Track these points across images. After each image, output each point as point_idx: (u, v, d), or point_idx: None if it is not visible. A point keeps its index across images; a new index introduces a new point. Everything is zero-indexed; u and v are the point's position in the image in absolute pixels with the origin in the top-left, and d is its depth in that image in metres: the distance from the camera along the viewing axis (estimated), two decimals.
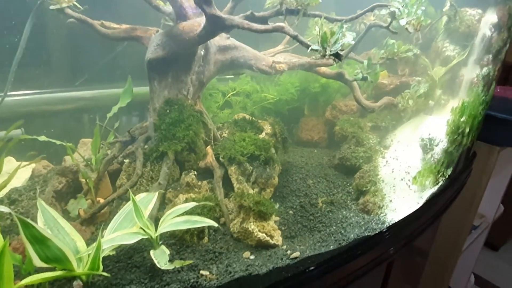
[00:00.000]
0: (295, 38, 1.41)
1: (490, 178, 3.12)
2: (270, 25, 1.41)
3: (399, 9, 1.52)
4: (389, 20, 1.55)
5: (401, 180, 2.15)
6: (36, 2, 1.72)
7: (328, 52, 1.34)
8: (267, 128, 1.92)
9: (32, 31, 1.82)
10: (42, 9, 1.76)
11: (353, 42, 1.37)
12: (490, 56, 2.58)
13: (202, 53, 1.71)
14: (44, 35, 2.00)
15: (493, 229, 4.04)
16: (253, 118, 1.98)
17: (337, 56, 1.40)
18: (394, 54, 1.89)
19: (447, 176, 2.28)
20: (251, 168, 1.73)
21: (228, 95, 2.25)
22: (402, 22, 1.51)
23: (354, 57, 2.01)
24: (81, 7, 1.70)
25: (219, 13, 1.47)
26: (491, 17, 2.70)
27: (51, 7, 1.65)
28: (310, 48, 1.35)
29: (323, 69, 1.96)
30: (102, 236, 1.16)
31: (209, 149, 1.72)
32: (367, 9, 1.58)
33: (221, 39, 1.79)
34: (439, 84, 2.52)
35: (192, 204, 1.33)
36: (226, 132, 1.88)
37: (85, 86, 2.26)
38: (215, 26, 1.52)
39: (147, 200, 1.30)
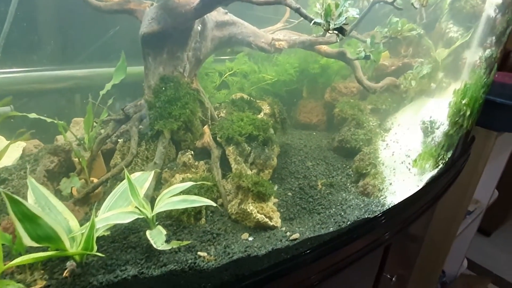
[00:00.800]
0: (297, 11, 1.35)
1: (487, 163, 3.12)
2: None
3: None
4: None
5: (401, 163, 2.13)
6: None
7: (332, 26, 1.29)
8: (266, 108, 1.87)
9: (20, 3, 1.75)
10: None
11: (358, 16, 1.32)
12: (494, 38, 2.54)
13: (199, 28, 1.65)
14: (33, 8, 1.93)
15: (486, 215, 4.08)
16: (251, 98, 1.93)
17: (340, 30, 1.35)
18: (398, 32, 1.84)
19: (446, 160, 2.26)
20: (249, 148, 1.69)
21: (225, 75, 2.20)
22: None
23: (356, 36, 1.96)
24: None
25: None
26: None
27: None
28: (312, 22, 1.30)
29: (324, 47, 1.90)
30: (96, 216, 1.12)
31: (206, 128, 1.68)
32: None
33: (218, 14, 1.73)
34: (442, 66, 2.48)
35: (189, 184, 1.29)
36: (224, 112, 1.83)
37: (77, 65, 2.20)
38: None
39: (143, 179, 1.26)
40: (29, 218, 0.91)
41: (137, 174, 1.28)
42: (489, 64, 2.38)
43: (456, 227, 3.42)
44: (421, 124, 2.33)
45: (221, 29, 1.76)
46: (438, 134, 2.23)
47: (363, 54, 1.74)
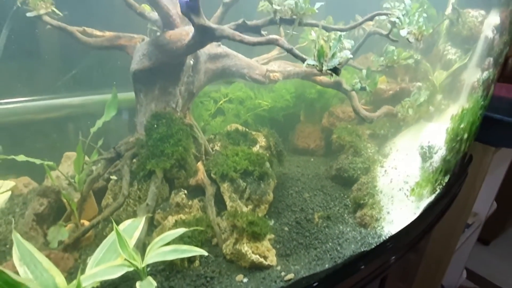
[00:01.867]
0: (289, 51, 1.33)
1: (485, 178, 3.09)
2: (263, 37, 1.33)
3: (399, 18, 1.45)
4: (389, 26, 1.47)
5: (399, 190, 2.10)
6: (12, 7, 1.62)
7: (325, 67, 1.27)
8: (261, 141, 1.85)
9: (9, 37, 1.73)
10: (19, 14, 1.67)
11: (351, 56, 1.30)
12: (491, 59, 2.52)
13: (192, 62, 1.63)
14: (24, 40, 1.90)
15: (485, 224, 4.04)
16: (247, 130, 1.91)
17: (334, 71, 1.33)
18: (394, 61, 1.82)
19: (443, 184, 2.24)
20: (245, 184, 1.66)
21: (220, 102, 2.17)
22: (403, 32, 1.43)
23: (352, 64, 1.94)
24: (60, 13, 1.60)
25: (208, 23, 1.39)
26: (494, 18, 2.63)
27: (28, 14, 1.55)
28: (305, 63, 1.28)
29: (320, 77, 1.88)
30: (85, 266, 1.09)
31: (200, 165, 1.65)
32: (367, 18, 1.50)
33: (211, 47, 1.71)
34: (440, 89, 2.45)
35: (181, 231, 1.26)
36: (218, 145, 1.80)
37: (70, 93, 2.17)
38: (204, 36, 1.44)
39: (133, 227, 1.23)
40: (12, 286, 0.88)
41: (127, 222, 1.24)
42: (486, 87, 2.36)
43: (455, 241, 3.38)
44: (420, 149, 2.30)
45: (214, 62, 1.73)
46: (436, 159, 2.21)
47: (359, 85, 1.71)
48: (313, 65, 1.29)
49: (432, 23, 2.42)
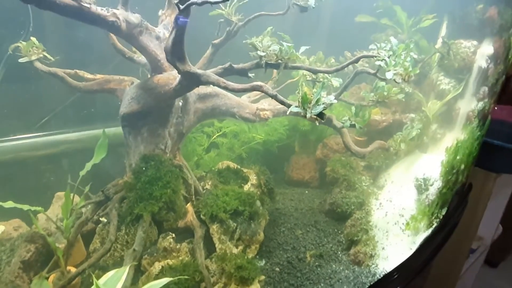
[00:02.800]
0: (274, 97, 1.32)
1: (488, 202, 3.02)
2: (248, 84, 1.33)
3: (385, 60, 1.44)
4: (377, 65, 1.47)
5: (395, 224, 2.05)
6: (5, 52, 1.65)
7: (308, 114, 1.26)
8: (252, 179, 1.83)
9: (4, 79, 1.75)
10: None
11: (335, 101, 1.29)
12: (486, 88, 2.49)
13: (180, 104, 1.63)
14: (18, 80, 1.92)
15: (491, 247, 3.93)
16: (238, 167, 1.89)
17: (320, 115, 1.32)
18: (385, 97, 1.81)
19: (441, 217, 2.19)
20: (235, 224, 1.63)
21: (214, 137, 2.17)
22: (388, 75, 1.42)
23: (343, 99, 1.93)
24: (52, 58, 1.62)
25: (194, 69, 1.39)
26: (487, 48, 2.62)
27: (20, 60, 1.57)
28: (290, 109, 1.27)
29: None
30: None
31: (189, 206, 1.63)
32: (352, 61, 1.50)
33: (201, 87, 1.71)
34: (434, 120, 2.43)
35: (165, 281, 1.23)
36: (209, 183, 1.79)
37: (67, 129, 2.17)
38: (190, 81, 1.44)
39: (116, 278, 1.21)
40: None
41: (110, 273, 1.22)
42: (482, 117, 2.33)
43: (459, 267, 3.29)
44: (415, 181, 2.26)
45: (204, 102, 1.73)
46: (432, 192, 2.17)
47: (348, 123, 1.70)
48: (298, 111, 1.28)
49: (423, 55, 2.41)
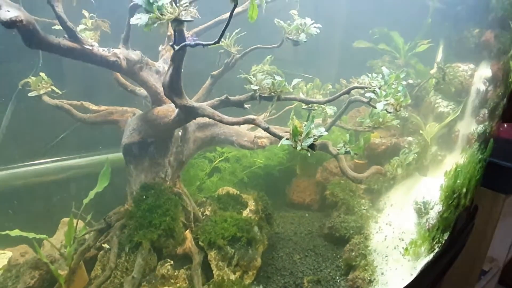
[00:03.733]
0: (266, 130, 1.36)
1: (498, 223, 2.96)
2: (242, 118, 1.37)
3: (375, 92, 1.47)
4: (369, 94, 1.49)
5: (395, 249, 2.04)
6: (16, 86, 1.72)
7: (299, 147, 1.29)
8: (251, 204, 1.85)
9: (14, 113, 1.83)
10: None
11: (325, 133, 1.32)
12: (486, 111, 2.48)
13: (180, 133, 1.68)
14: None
15: (505, 267, 3.81)
16: (237, 193, 1.92)
17: (311, 147, 1.35)
18: (380, 123, 1.82)
19: (443, 242, 2.16)
20: (233, 250, 1.65)
21: (216, 162, 2.20)
22: (379, 106, 1.44)
23: (340, 125, 1.95)
24: (59, 92, 1.69)
25: (190, 103, 1.44)
26: (485, 71, 2.62)
27: (30, 94, 1.64)
28: (281, 142, 1.30)
29: None
30: None
31: (188, 233, 1.66)
32: (344, 92, 1.53)
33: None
34: (433, 142, 2.43)
35: None
36: (209, 209, 1.82)
37: (77, 154, 2.22)
38: (187, 114, 1.49)
39: None
40: None
41: None
42: (483, 140, 2.31)
43: None
44: (414, 205, 2.25)
45: (203, 131, 1.78)
46: (433, 215, 2.15)
47: (343, 150, 1.72)
48: (289, 144, 1.31)
49: (419, 79, 2.43)
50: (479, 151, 2.25)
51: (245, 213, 1.81)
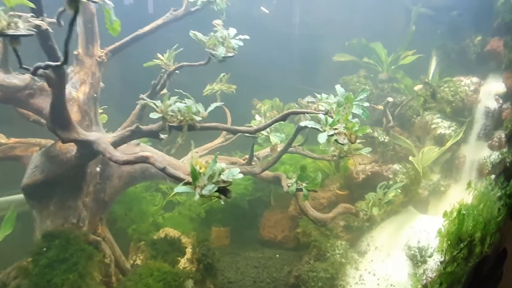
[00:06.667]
0: (162, 171, 1.02)
1: None
2: (133, 156, 1.02)
3: (319, 118, 1.06)
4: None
5: None
6: None
7: (197, 194, 0.91)
8: (189, 251, 1.47)
9: None
10: None
11: (240, 176, 0.94)
12: (503, 135, 1.94)
13: (98, 169, 1.34)
14: None
15: None
16: (178, 236, 1.55)
17: (223, 193, 0.97)
18: (346, 152, 1.41)
19: None
20: None
21: (170, 195, 1.85)
22: (322, 138, 1.03)
23: (301, 152, 1.55)
24: None
25: (82, 136, 1.11)
26: (494, 85, 2.10)
27: None
28: (175, 190, 0.93)
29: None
30: None
31: None
32: (278, 118, 1.14)
33: (128, 147, 1.42)
34: (433, 170, 1.94)
35: None
36: (140, 257, 1.46)
37: None
38: (83, 149, 1.16)
39: None
40: None
41: None
42: (503, 171, 1.75)
43: None
44: (407, 250, 1.76)
45: (131, 164, 1.43)
46: (432, 266, 1.64)
47: (294, 187, 1.31)
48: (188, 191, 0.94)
49: (406, 96, 1.97)
50: (496, 185, 1.67)
51: (182, 262, 1.43)
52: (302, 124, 1.08)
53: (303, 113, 1.15)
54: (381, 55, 2.02)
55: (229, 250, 1.96)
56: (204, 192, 0.92)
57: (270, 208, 2.12)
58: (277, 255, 1.93)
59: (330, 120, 1.07)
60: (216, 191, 0.95)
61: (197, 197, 0.91)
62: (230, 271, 1.71)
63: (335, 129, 1.09)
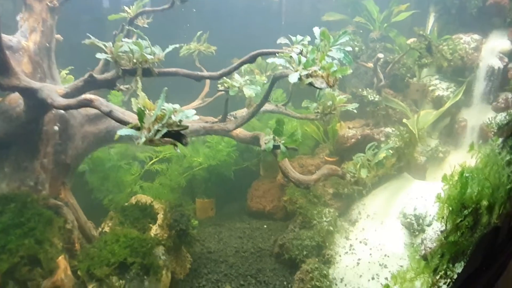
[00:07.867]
0: (108, 114, 0.88)
1: None
2: (75, 99, 0.88)
3: (291, 57, 0.91)
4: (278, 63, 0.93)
5: (372, 280, 1.42)
6: None
7: (143, 139, 0.77)
8: (160, 217, 1.34)
9: None
10: None
11: (195, 117, 0.79)
12: (510, 95, 1.76)
13: (57, 128, 1.21)
14: None
15: None
16: (150, 203, 1.42)
17: (177, 138, 0.82)
18: (330, 108, 1.25)
19: (455, 275, 1.43)
20: (122, 282, 1.15)
21: (149, 163, 1.72)
22: (293, 77, 0.88)
23: (284, 112, 1.40)
24: None
25: (25, 83, 0.97)
26: (498, 43, 1.91)
27: None
28: (118, 134, 0.78)
29: (237, 131, 1.36)
30: None
31: (61, 260, 1.18)
32: (245, 60, 0.99)
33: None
34: (430, 135, 1.78)
35: None
36: (109, 225, 1.33)
37: None
38: (29, 99, 1.02)
39: None
40: None
41: None
42: (511, 134, 1.56)
43: None
44: (402, 218, 1.61)
45: (95, 124, 1.31)
46: (431, 235, 1.48)
47: (271, 144, 1.17)
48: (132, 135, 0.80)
49: (401, 52, 1.79)
50: (504, 149, 1.48)
51: (154, 229, 1.31)
52: (270, 60, 0.93)
53: (274, 53, 0.99)
54: (372, 12, 1.84)
55: (214, 221, 1.84)
56: (151, 134, 0.78)
57: (259, 178, 1.99)
58: (265, 226, 1.80)
59: (304, 60, 0.91)
60: (169, 136, 0.81)
61: (143, 140, 0.77)
62: (212, 241, 1.59)
63: (310, 70, 0.93)
